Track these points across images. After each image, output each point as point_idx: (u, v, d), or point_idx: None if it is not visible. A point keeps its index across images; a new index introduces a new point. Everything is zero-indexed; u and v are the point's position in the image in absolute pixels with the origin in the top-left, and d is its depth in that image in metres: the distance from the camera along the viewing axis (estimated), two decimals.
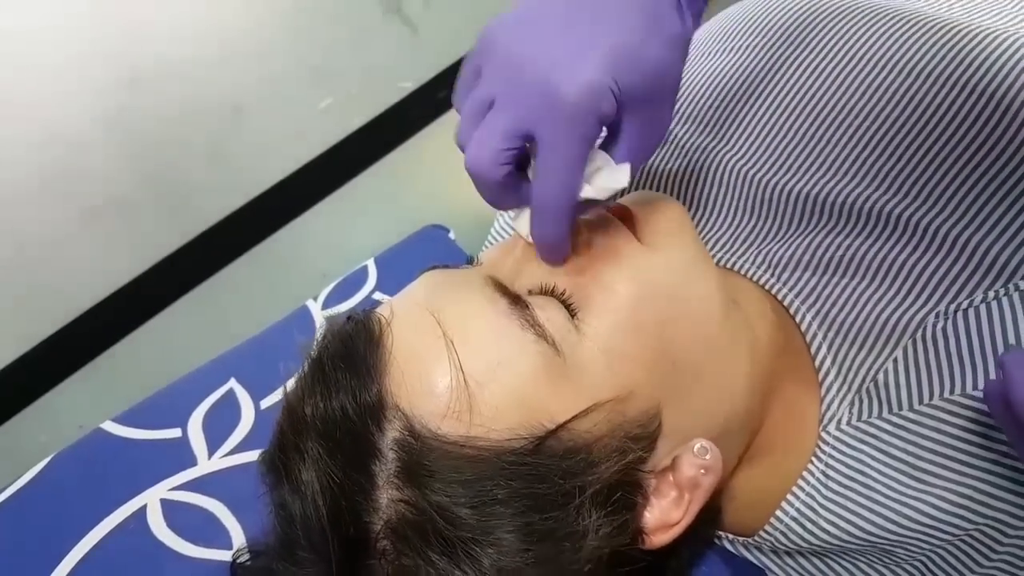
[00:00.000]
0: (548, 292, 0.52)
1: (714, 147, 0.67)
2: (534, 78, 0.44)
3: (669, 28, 0.46)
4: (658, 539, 0.51)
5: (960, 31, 0.60)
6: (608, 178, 0.48)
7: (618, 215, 0.56)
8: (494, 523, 0.46)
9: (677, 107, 0.71)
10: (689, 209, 0.68)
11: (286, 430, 0.51)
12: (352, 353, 0.50)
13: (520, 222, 0.51)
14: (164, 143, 0.97)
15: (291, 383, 0.54)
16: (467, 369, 0.48)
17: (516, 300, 0.51)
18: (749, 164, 0.65)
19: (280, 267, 1.12)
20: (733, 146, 0.66)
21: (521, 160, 0.48)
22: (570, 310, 0.51)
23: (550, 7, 0.47)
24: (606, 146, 0.49)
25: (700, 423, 0.53)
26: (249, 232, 1.08)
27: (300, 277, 1.10)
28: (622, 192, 0.50)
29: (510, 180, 0.47)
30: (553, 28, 0.46)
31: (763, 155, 0.65)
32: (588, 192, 0.48)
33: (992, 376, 0.51)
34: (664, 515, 0.51)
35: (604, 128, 0.48)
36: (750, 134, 0.66)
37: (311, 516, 0.48)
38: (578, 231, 0.54)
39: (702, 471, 0.52)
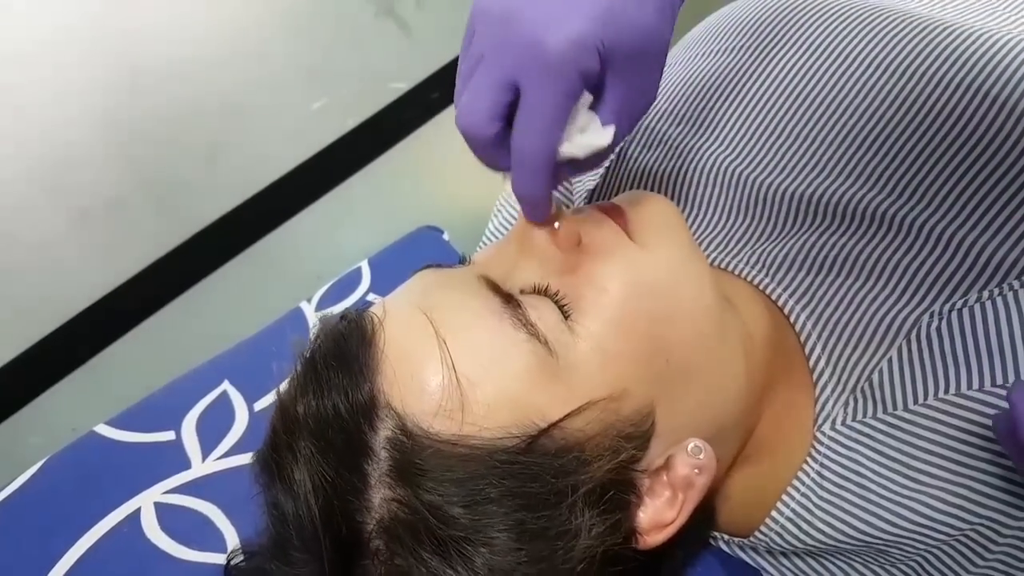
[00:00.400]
0: (540, 291, 0.52)
1: (707, 147, 0.67)
2: (521, 32, 0.45)
3: None
4: (652, 539, 0.51)
5: (952, 31, 0.60)
6: (590, 136, 0.48)
7: (611, 214, 0.56)
8: (486, 522, 0.46)
9: (670, 107, 0.71)
10: (683, 209, 0.68)
11: (279, 429, 0.51)
12: (344, 352, 0.50)
13: (509, 184, 0.51)
14: (158, 144, 0.97)
15: (285, 383, 0.54)
16: (459, 368, 0.48)
17: (508, 299, 0.51)
18: (742, 164, 0.65)
19: (273, 268, 1.12)
20: (727, 146, 0.66)
21: (512, 119, 0.48)
22: (563, 310, 0.51)
23: None
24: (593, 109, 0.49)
25: (694, 422, 0.53)
26: (242, 233, 1.08)
27: (293, 278, 1.10)
28: (606, 154, 0.50)
29: (500, 136, 0.47)
30: None
31: (756, 155, 0.65)
32: (568, 148, 0.48)
33: (987, 376, 0.51)
34: (658, 515, 0.51)
35: (588, 95, 0.48)
36: (743, 134, 0.66)
37: (304, 515, 0.48)
38: (571, 230, 0.54)
39: (696, 471, 0.52)
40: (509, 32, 0.46)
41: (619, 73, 0.47)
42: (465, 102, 0.47)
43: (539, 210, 0.51)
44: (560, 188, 0.77)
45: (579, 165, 0.50)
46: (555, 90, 0.45)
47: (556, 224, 0.54)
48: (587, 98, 0.47)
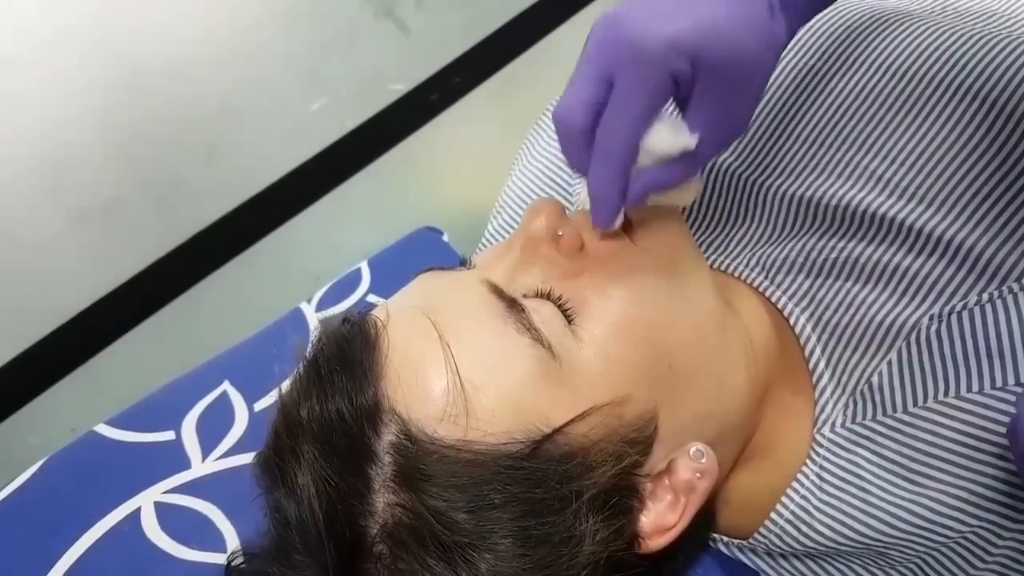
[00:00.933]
0: (544, 296, 0.52)
1: None
2: (623, 29, 0.47)
3: (760, 24, 0.48)
4: (654, 543, 0.51)
5: (952, 34, 0.60)
6: (673, 136, 0.49)
7: None
8: (491, 528, 0.46)
9: None
10: (682, 212, 0.68)
11: (281, 432, 0.51)
12: (348, 356, 0.50)
13: (579, 188, 0.52)
14: (157, 144, 0.97)
15: (286, 385, 0.54)
16: (463, 372, 0.48)
17: (512, 303, 0.51)
18: (742, 166, 0.65)
19: (272, 269, 1.12)
20: (727, 149, 0.67)
21: None
22: (566, 314, 0.51)
23: None
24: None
25: (696, 427, 0.53)
26: (241, 234, 1.08)
27: (292, 279, 1.10)
28: (686, 172, 0.51)
29: (589, 131, 0.49)
30: (657, 3, 0.48)
31: (756, 157, 0.65)
32: (651, 145, 0.49)
33: (987, 379, 0.51)
34: (660, 519, 0.51)
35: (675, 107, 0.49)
36: (743, 137, 0.66)
37: (307, 519, 0.48)
38: (574, 235, 0.54)
39: (698, 475, 0.52)
40: (614, 30, 0.47)
41: (710, 87, 0.47)
42: (564, 95, 0.49)
43: (607, 210, 0.51)
44: (550, 193, 0.76)
45: (659, 181, 0.51)
46: (644, 85, 0.46)
47: (559, 230, 0.54)
48: (668, 109, 0.49)
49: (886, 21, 0.63)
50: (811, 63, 0.64)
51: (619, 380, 0.50)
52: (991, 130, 0.56)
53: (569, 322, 0.51)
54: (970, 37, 0.59)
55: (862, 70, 0.62)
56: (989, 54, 0.58)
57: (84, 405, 1.00)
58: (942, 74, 0.59)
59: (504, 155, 0.91)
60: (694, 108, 0.48)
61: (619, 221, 0.52)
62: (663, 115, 0.49)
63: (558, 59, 1.20)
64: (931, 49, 0.60)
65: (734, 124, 0.50)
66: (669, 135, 0.49)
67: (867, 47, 0.63)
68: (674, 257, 0.55)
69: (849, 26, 0.64)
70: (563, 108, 0.49)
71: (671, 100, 0.49)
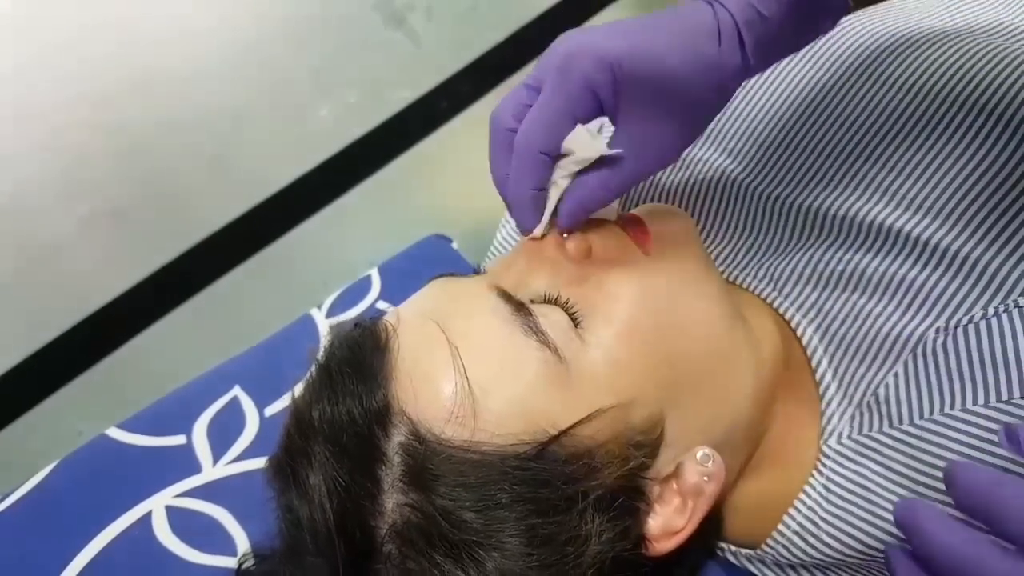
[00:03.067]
0: (551, 301, 0.52)
1: (716, 159, 0.68)
2: (561, 46, 0.49)
3: (698, 52, 0.48)
4: (662, 546, 0.51)
5: (958, 48, 0.61)
6: (585, 142, 0.50)
7: (630, 225, 0.57)
8: (498, 527, 0.47)
9: None
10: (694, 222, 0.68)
11: (293, 434, 0.52)
12: (359, 359, 0.51)
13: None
14: (166, 151, 0.98)
15: (299, 388, 0.54)
16: (471, 375, 0.49)
17: (519, 307, 0.51)
18: (751, 176, 0.66)
19: (279, 276, 1.12)
20: (736, 158, 0.67)
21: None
22: (573, 318, 0.52)
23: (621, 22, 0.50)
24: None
25: (703, 431, 0.54)
26: (248, 241, 1.09)
27: (299, 286, 1.10)
28: (606, 189, 0.52)
29: (511, 138, 0.51)
30: (600, 29, 0.49)
31: (765, 167, 0.65)
32: (565, 148, 0.50)
33: (992, 392, 0.52)
34: (668, 522, 0.52)
35: (598, 120, 0.51)
36: (752, 147, 0.66)
37: (318, 520, 0.48)
38: (582, 240, 0.55)
39: (705, 478, 0.52)
40: (549, 52, 0.50)
41: (630, 104, 0.49)
42: (500, 100, 0.51)
43: (525, 214, 0.53)
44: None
45: (588, 197, 0.52)
46: (560, 89, 0.48)
47: (566, 235, 0.55)
48: (597, 121, 0.50)
49: (899, 39, 0.64)
50: (821, 78, 0.65)
51: (625, 383, 0.51)
52: (997, 144, 0.56)
53: (576, 326, 0.52)
54: (984, 55, 0.60)
55: (868, 83, 0.63)
56: (1003, 72, 0.58)
57: (92, 409, 1.01)
58: (948, 88, 0.59)
59: None
60: (618, 122, 0.50)
61: (540, 228, 0.54)
62: (583, 130, 0.50)
63: None
64: (944, 67, 0.60)
65: (662, 146, 0.51)
66: (585, 139, 0.50)
67: (879, 64, 0.63)
68: (683, 263, 0.56)
69: (861, 43, 0.65)
70: (496, 110, 0.52)
71: (601, 116, 0.51)
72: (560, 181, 0.52)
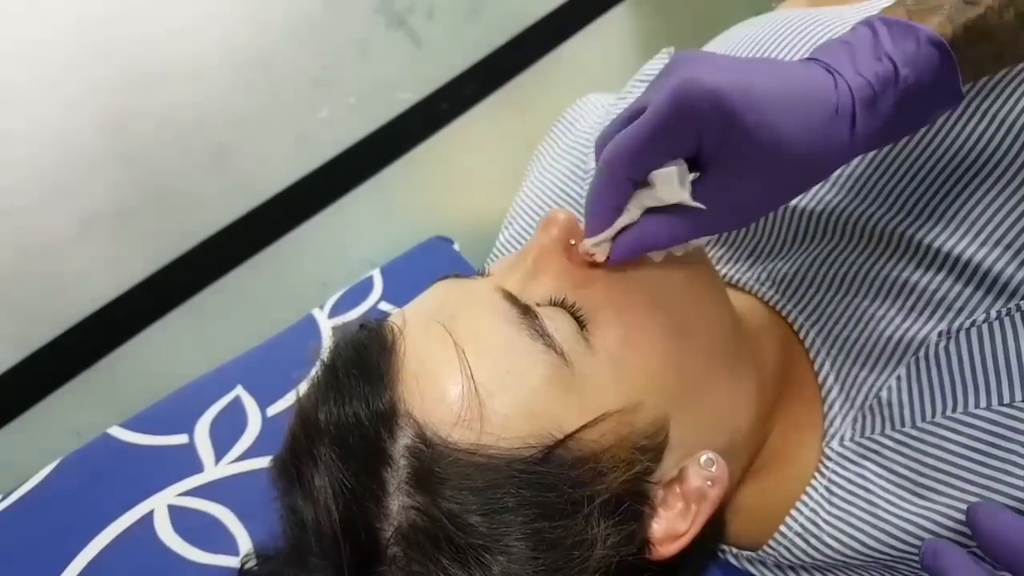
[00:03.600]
0: (558, 304, 0.53)
1: None
2: (678, 69, 0.46)
3: (818, 122, 0.46)
4: (665, 550, 0.51)
5: None
6: (670, 182, 0.48)
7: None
8: (504, 530, 0.47)
9: None
10: None
11: (299, 435, 0.52)
12: (365, 361, 0.51)
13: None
14: (166, 150, 0.97)
15: (303, 389, 0.54)
16: (478, 378, 0.49)
17: (526, 311, 0.51)
18: None
19: (280, 277, 1.12)
20: None
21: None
22: (579, 322, 0.52)
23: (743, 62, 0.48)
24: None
25: (706, 435, 0.54)
26: (250, 241, 1.09)
27: (300, 287, 1.10)
28: (683, 234, 0.50)
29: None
30: (733, 59, 0.47)
31: None
32: (651, 178, 0.48)
33: (994, 395, 0.52)
34: (671, 526, 0.52)
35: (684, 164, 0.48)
36: None
37: (323, 521, 0.48)
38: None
39: (708, 483, 0.52)
40: (672, 65, 0.48)
41: (732, 159, 0.47)
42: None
43: (593, 224, 0.51)
44: (562, 203, 0.77)
45: (655, 235, 0.51)
46: (667, 120, 0.45)
47: (572, 240, 0.55)
48: (682, 165, 0.48)
49: None
50: None
51: (631, 387, 0.51)
52: (999, 148, 0.56)
53: (582, 329, 0.52)
54: None
55: None
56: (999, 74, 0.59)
57: (90, 409, 1.00)
58: None
59: (514, 165, 0.91)
60: (710, 172, 0.48)
61: (592, 245, 0.52)
62: (678, 162, 0.48)
63: (568, 71, 1.20)
64: None
65: (745, 209, 0.49)
66: (672, 182, 0.48)
67: None
68: (688, 267, 0.56)
69: None
70: (607, 127, 0.50)
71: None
72: (633, 210, 0.50)
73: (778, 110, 0.45)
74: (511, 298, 0.52)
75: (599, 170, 0.49)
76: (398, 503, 0.48)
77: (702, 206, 0.48)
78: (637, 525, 0.51)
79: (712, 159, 0.47)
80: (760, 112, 0.45)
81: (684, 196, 0.48)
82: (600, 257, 0.53)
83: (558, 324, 0.51)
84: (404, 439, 0.48)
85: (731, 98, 0.44)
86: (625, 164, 0.48)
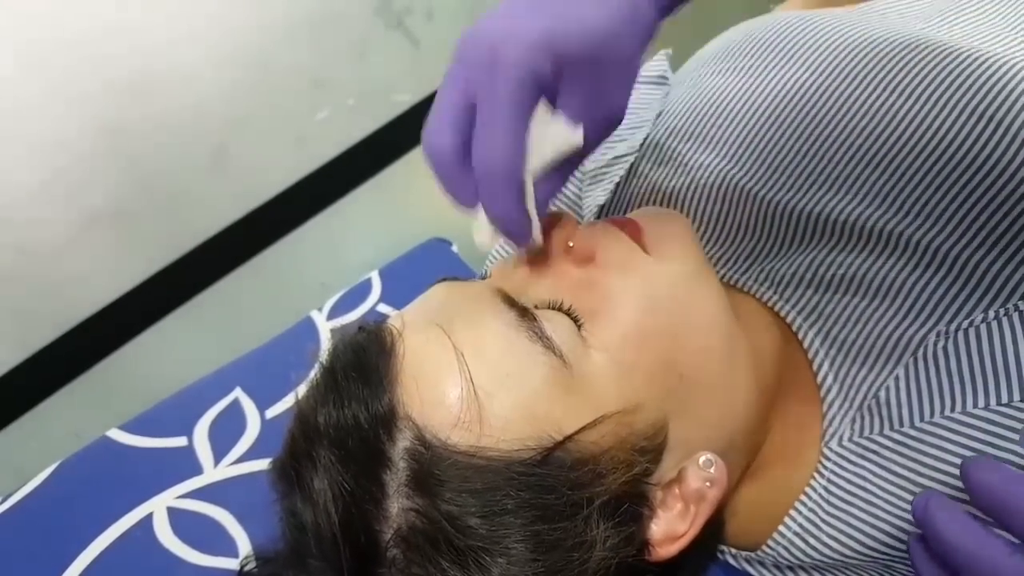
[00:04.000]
0: (555, 307, 0.53)
1: (717, 164, 0.68)
2: (476, 44, 0.46)
3: (619, 5, 0.46)
4: (664, 551, 0.51)
5: (958, 55, 0.61)
6: (557, 137, 0.47)
7: (627, 228, 0.57)
8: (503, 532, 0.47)
9: (680, 124, 0.71)
10: (693, 225, 0.69)
11: (298, 438, 0.51)
12: (364, 363, 0.51)
13: (479, 226, 0.50)
14: (165, 153, 0.98)
15: (302, 391, 0.54)
16: (477, 380, 0.49)
17: (524, 313, 0.51)
18: (752, 181, 0.66)
19: (279, 279, 1.12)
20: (736, 163, 0.67)
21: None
22: (577, 323, 0.52)
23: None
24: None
25: (705, 436, 0.54)
26: (248, 243, 1.09)
27: (299, 289, 1.10)
28: (575, 162, 0.50)
29: (461, 155, 0.47)
30: (512, 9, 0.46)
31: (765, 173, 0.66)
32: (537, 157, 0.48)
33: (992, 395, 0.52)
34: (670, 527, 0.52)
35: (548, 105, 0.48)
36: (752, 151, 0.67)
37: (323, 524, 0.48)
38: (585, 246, 0.55)
39: (707, 484, 0.52)
40: (468, 47, 0.46)
41: (575, 77, 0.46)
42: (428, 122, 0.47)
43: (521, 231, 0.49)
44: (556, 204, 0.77)
45: (553, 179, 0.50)
46: (504, 94, 0.45)
47: (570, 241, 0.55)
48: (547, 108, 0.47)
49: (893, 41, 0.64)
50: (822, 83, 0.65)
51: (630, 389, 0.51)
52: (995, 149, 0.57)
53: (580, 330, 0.52)
54: (977, 58, 0.60)
55: (870, 88, 0.63)
56: (995, 74, 0.59)
57: (88, 411, 1.01)
58: (948, 94, 0.60)
59: None
60: (563, 102, 0.47)
61: (537, 234, 0.51)
62: (536, 120, 0.47)
63: None
64: (938, 70, 0.61)
65: (609, 106, 0.49)
66: (557, 136, 0.47)
67: (875, 68, 0.64)
68: (685, 268, 0.56)
69: (863, 49, 0.65)
70: (431, 136, 0.47)
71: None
72: (538, 186, 0.49)
73: (582, 14, 0.45)
74: (510, 300, 0.52)
75: (487, 190, 0.47)
76: (397, 505, 0.48)
77: (581, 129, 0.47)
78: (636, 526, 0.51)
79: (557, 90, 0.47)
80: (569, 27, 0.45)
81: (575, 138, 0.47)
82: (555, 243, 0.53)
83: (556, 326, 0.51)
84: (403, 441, 0.48)
85: (538, 29, 0.44)
86: (507, 162, 0.46)
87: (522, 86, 0.45)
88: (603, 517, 0.48)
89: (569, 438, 0.49)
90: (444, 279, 0.58)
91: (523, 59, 0.44)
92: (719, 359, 0.55)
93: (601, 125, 0.49)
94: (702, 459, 0.53)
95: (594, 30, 0.46)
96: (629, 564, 0.50)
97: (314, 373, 0.54)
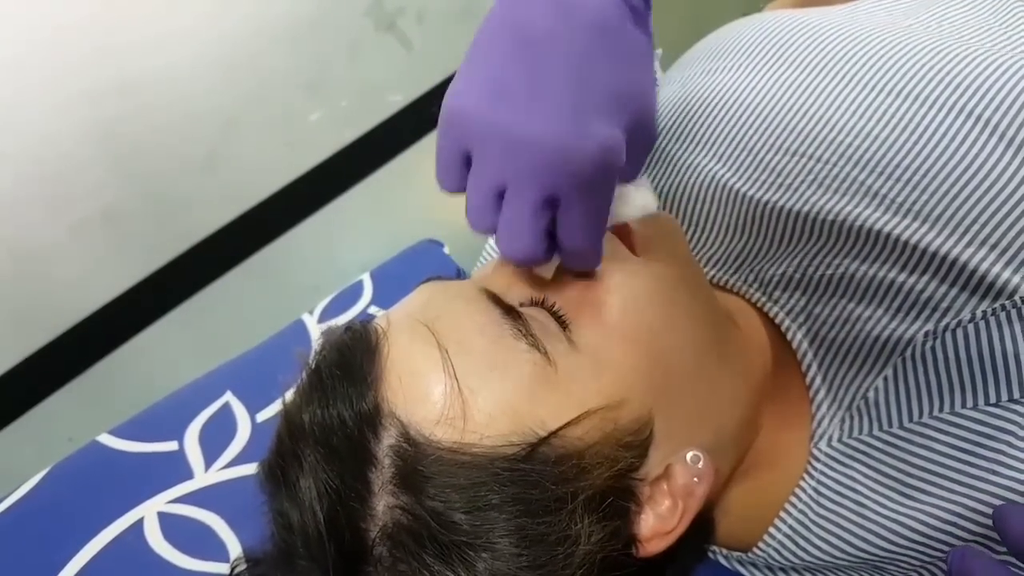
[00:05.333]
0: (540, 304, 0.53)
1: (706, 164, 0.68)
2: (544, 154, 0.46)
3: (638, 48, 0.49)
4: (652, 547, 0.51)
5: (947, 53, 0.61)
6: (639, 202, 0.54)
7: (615, 228, 0.57)
8: (488, 528, 0.47)
9: (669, 124, 0.71)
10: (682, 226, 0.69)
11: (284, 437, 0.52)
12: (349, 362, 0.51)
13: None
14: (156, 155, 0.97)
15: (289, 393, 0.54)
16: (461, 377, 0.49)
17: (509, 310, 0.51)
18: (740, 182, 0.66)
19: (271, 281, 1.12)
20: (725, 163, 0.67)
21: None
22: (561, 321, 0.52)
23: (503, 68, 0.48)
24: None
25: (692, 433, 0.54)
26: (240, 245, 1.09)
27: (291, 291, 1.10)
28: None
29: (550, 251, 0.50)
30: (530, 93, 0.47)
31: (754, 173, 0.66)
32: (621, 219, 0.53)
33: (980, 395, 0.52)
34: (658, 523, 0.51)
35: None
36: (741, 151, 0.67)
37: (309, 523, 0.48)
38: None
39: (695, 479, 0.52)
40: (532, 159, 0.46)
41: (634, 139, 0.49)
42: (510, 238, 0.49)
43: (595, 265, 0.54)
44: None
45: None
46: (598, 196, 0.48)
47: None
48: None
49: (882, 40, 0.64)
50: (811, 82, 0.65)
51: (614, 384, 0.51)
52: (983, 148, 0.57)
53: (564, 328, 0.52)
54: (965, 56, 0.60)
55: (859, 87, 0.63)
56: (984, 73, 0.59)
57: (82, 415, 1.00)
58: (937, 92, 0.60)
59: None
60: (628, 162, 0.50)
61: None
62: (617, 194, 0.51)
63: None
64: (927, 69, 0.61)
65: (650, 143, 0.53)
66: (636, 205, 0.53)
67: (864, 66, 0.64)
68: (672, 266, 0.56)
69: (851, 48, 0.65)
70: (517, 249, 0.49)
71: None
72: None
73: (631, 80, 0.49)
74: (494, 298, 0.53)
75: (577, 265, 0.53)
76: (383, 503, 0.48)
77: (647, 180, 0.52)
78: (623, 522, 0.51)
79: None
80: (632, 103, 0.49)
81: (652, 200, 0.53)
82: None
83: (541, 323, 0.51)
84: (388, 439, 0.48)
85: (618, 125, 0.48)
86: (601, 245, 0.52)
87: (609, 186, 0.49)
88: (588, 512, 0.48)
89: (553, 434, 0.49)
90: (430, 279, 0.58)
91: (605, 162, 0.47)
92: (705, 357, 0.55)
93: (643, 154, 0.53)
94: (689, 455, 0.53)
95: (643, 97, 0.50)
96: (617, 560, 0.50)
97: (302, 374, 0.54)
